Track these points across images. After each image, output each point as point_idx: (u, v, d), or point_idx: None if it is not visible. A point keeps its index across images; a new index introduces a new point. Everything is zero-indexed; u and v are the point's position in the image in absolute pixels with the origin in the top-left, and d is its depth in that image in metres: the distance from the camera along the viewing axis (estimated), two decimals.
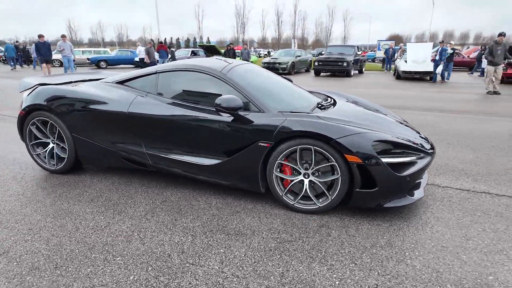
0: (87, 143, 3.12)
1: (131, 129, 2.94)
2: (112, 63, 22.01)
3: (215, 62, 3.10)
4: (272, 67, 16.09)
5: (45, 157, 3.36)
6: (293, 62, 16.65)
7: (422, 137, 2.83)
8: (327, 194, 2.47)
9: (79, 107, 3.06)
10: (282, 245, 2.14)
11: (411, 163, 2.44)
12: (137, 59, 19.45)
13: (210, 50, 18.20)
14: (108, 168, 3.51)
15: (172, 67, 3.06)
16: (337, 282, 1.81)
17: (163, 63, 17.33)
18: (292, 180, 2.55)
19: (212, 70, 2.87)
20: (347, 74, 15.44)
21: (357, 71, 17.15)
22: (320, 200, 2.51)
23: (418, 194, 2.52)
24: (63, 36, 13.34)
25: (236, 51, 17.10)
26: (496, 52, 9.15)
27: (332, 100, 3.38)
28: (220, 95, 2.70)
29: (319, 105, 3.05)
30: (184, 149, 2.82)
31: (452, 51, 12.56)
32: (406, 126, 3.00)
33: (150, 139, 2.90)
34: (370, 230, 2.33)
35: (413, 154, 2.48)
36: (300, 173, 2.52)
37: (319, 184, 2.48)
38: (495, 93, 9.29)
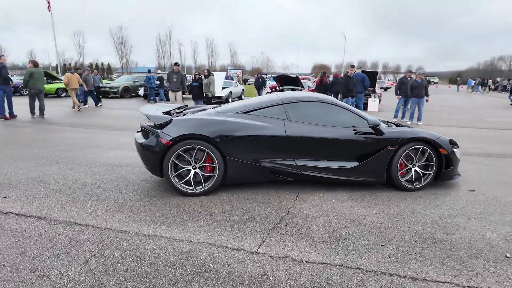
0: (239, 163, 3.54)
1: (287, 147, 3.61)
2: None
3: (322, 95, 4.24)
4: (103, 90, 16.85)
5: (190, 182, 3.50)
6: (125, 86, 18.35)
7: None
8: (422, 178, 3.76)
9: (232, 133, 3.50)
10: None
11: (457, 151, 4.07)
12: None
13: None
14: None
15: (295, 99, 3.89)
16: None
17: None
18: (407, 170, 3.76)
19: (330, 100, 3.95)
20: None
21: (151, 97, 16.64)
22: (417, 182, 3.78)
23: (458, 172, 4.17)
24: None
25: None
26: (172, 80, 10.82)
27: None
28: (339, 117, 3.80)
29: (386, 122, 4.50)
30: (328, 157, 3.69)
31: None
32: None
33: (301, 153, 3.65)
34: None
35: (455, 146, 3.99)
36: (409, 165, 3.79)
37: (420, 171, 3.77)
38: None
